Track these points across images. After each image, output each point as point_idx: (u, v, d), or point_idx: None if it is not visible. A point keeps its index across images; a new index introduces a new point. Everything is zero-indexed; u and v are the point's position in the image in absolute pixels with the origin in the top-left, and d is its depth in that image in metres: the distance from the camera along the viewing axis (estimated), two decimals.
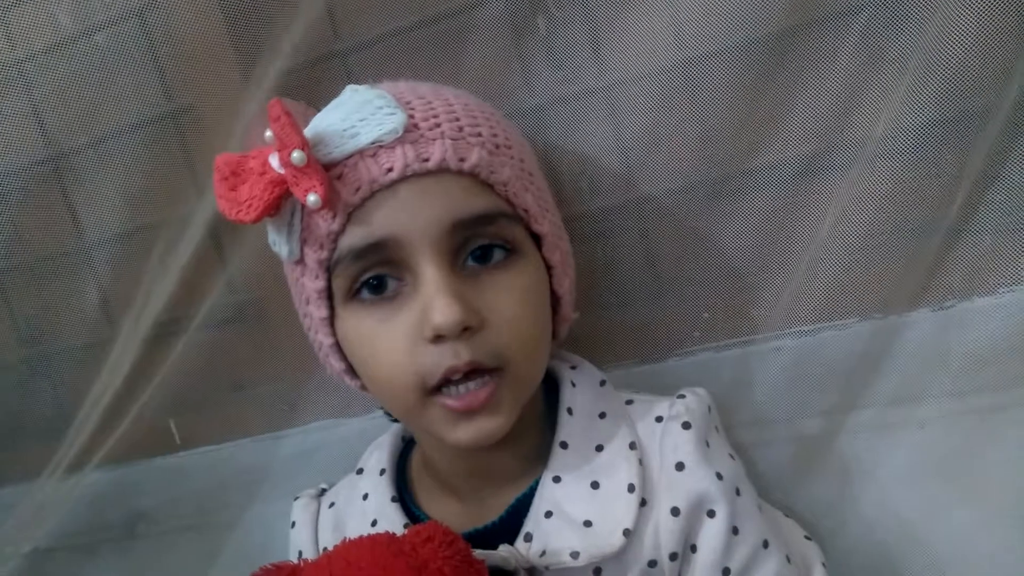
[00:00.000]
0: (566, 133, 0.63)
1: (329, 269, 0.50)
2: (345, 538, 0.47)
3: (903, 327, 0.59)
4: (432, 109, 0.49)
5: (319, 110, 0.50)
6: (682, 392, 0.56)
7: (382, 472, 0.60)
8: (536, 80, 0.63)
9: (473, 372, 0.47)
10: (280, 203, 0.48)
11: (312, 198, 0.45)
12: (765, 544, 0.51)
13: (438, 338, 0.47)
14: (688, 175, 0.62)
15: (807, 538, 0.58)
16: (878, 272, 0.59)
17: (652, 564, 0.51)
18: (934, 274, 0.58)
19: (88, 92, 0.69)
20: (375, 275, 0.49)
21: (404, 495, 0.59)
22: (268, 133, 0.47)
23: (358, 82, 0.52)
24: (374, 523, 0.57)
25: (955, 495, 0.59)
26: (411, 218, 0.47)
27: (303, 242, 0.50)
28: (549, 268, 0.53)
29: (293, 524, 0.64)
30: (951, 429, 0.59)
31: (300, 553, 0.62)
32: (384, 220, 0.47)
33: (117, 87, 0.69)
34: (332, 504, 0.63)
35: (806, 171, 0.59)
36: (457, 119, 0.49)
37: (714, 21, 0.58)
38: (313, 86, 0.65)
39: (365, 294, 0.49)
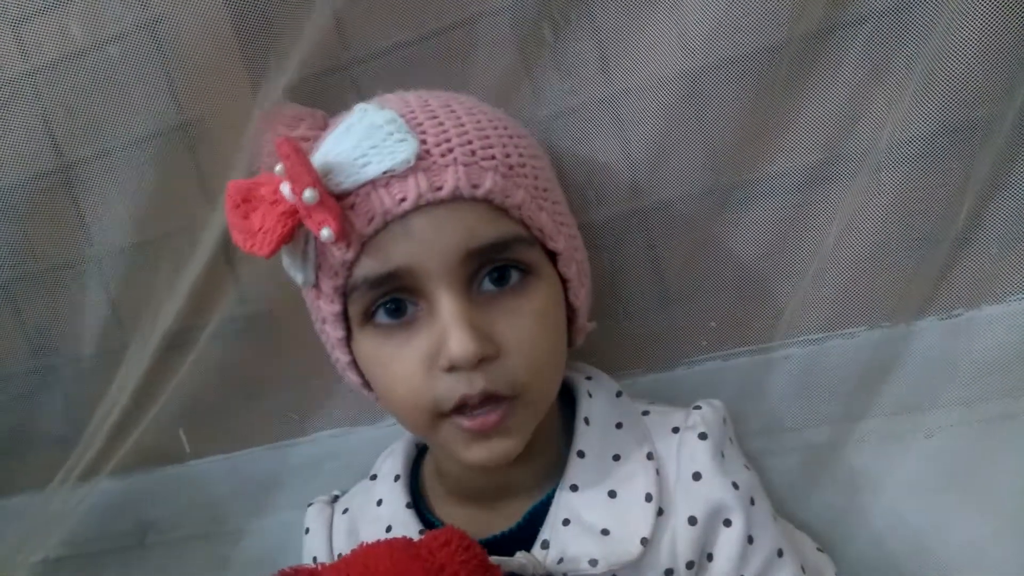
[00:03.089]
0: (573, 143, 0.63)
1: (345, 294, 0.50)
2: (362, 542, 0.47)
3: (910, 336, 0.59)
4: (444, 132, 0.48)
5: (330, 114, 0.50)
6: (698, 403, 0.56)
7: (396, 478, 0.60)
8: (543, 91, 0.63)
9: (487, 399, 0.48)
10: (294, 233, 0.47)
11: (325, 232, 0.45)
12: (780, 553, 0.52)
13: (453, 368, 0.47)
14: (694, 184, 0.62)
15: (819, 550, 0.59)
16: (885, 281, 0.59)
17: (669, 572, 0.51)
18: (941, 283, 0.58)
19: (99, 103, 0.70)
20: (393, 299, 0.49)
21: (418, 501, 0.59)
22: (278, 167, 0.47)
23: (366, 95, 0.52)
24: (388, 529, 0.57)
25: (964, 504, 0.59)
26: (425, 248, 0.47)
27: (318, 269, 0.50)
28: (565, 281, 0.53)
29: (307, 530, 0.64)
30: (959, 438, 0.59)
31: (315, 559, 0.62)
32: (398, 251, 0.47)
33: (128, 99, 0.69)
34: (346, 510, 0.63)
35: (812, 181, 0.60)
36: (470, 141, 0.48)
37: (720, 32, 0.58)
38: (321, 97, 0.65)
39: (381, 317, 0.49)
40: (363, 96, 0.53)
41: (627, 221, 0.64)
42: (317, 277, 0.50)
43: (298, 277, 0.51)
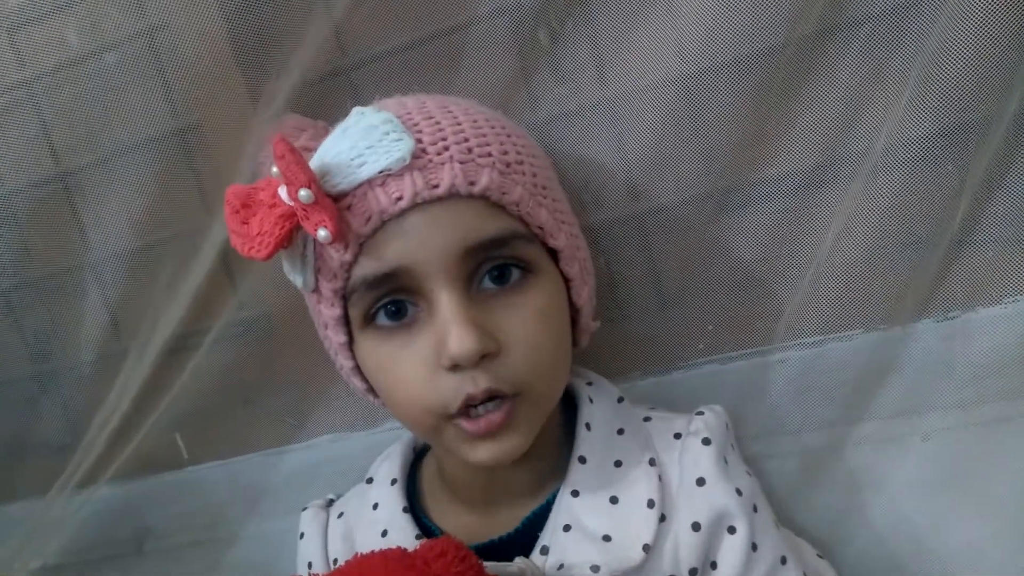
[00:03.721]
0: (569, 147, 0.63)
1: (345, 297, 0.50)
2: (357, 553, 0.47)
3: (907, 338, 0.59)
4: (440, 131, 0.48)
5: (331, 124, 0.50)
6: (700, 409, 0.56)
7: (393, 482, 0.60)
8: (539, 94, 0.63)
9: (490, 398, 0.47)
10: (292, 236, 0.47)
11: (322, 233, 0.45)
12: (783, 560, 0.52)
13: (455, 367, 0.47)
14: (691, 188, 0.62)
15: (819, 556, 0.59)
16: (882, 284, 0.59)
17: None
18: (938, 285, 0.58)
19: (96, 110, 0.70)
20: (392, 301, 0.49)
21: (415, 506, 0.59)
22: (274, 169, 0.46)
23: (364, 99, 0.52)
24: (384, 533, 0.57)
25: (963, 505, 0.59)
26: (422, 247, 0.47)
27: (317, 272, 0.50)
28: (567, 280, 0.53)
29: (302, 535, 0.64)
30: (956, 441, 0.59)
31: (310, 565, 0.62)
32: (395, 250, 0.47)
33: (125, 106, 0.69)
34: (341, 514, 0.63)
35: (809, 184, 0.60)
36: (466, 139, 0.48)
37: (717, 35, 0.58)
38: (319, 102, 0.65)
39: (382, 319, 0.49)
40: (361, 101, 0.53)
41: (624, 225, 0.64)
42: (317, 281, 0.50)
43: (298, 281, 0.51)
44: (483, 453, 0.49)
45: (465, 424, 0.48)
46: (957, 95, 0.54)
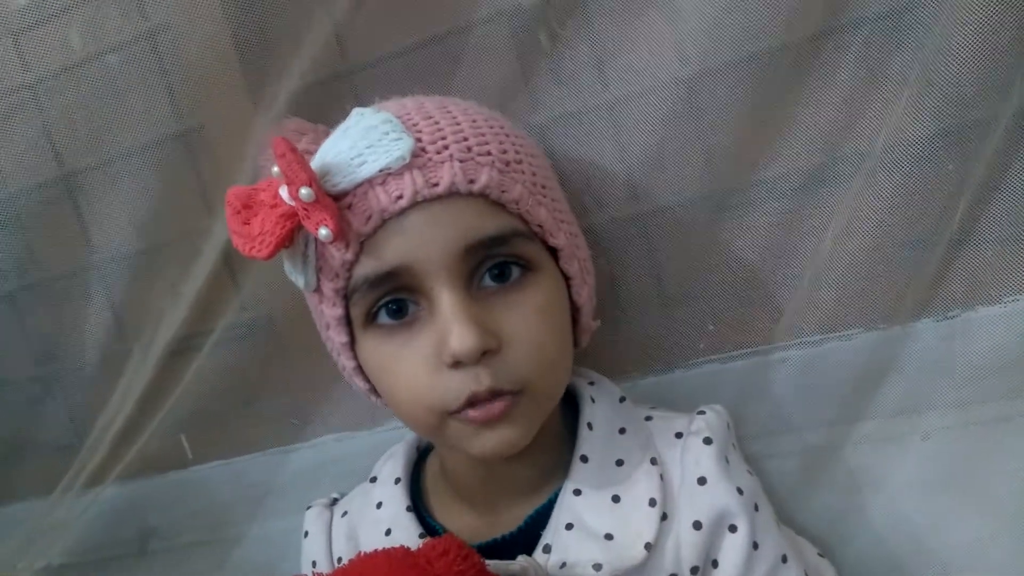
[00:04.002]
0: (570, 149, 0.64)
1: (346, 297, 0.50)
2: (360, 552, 0.47)
3: (907, 338, 0.59)
4: (440, 130, 0.49)
5: (332, 127, 0.51)
6: (701, 408, 0.56)
7: (397, 481, 0.60)
8: (540, 97, 0.63)
9: (493, 395, 0.48)
10: (293, 236, 0.48)
11: (323, 232, 0.45)
12: (784, 559, 0.52)
13: (457, 363, 0.47)
14: (692, 189, 0.62)
15: (820, 555, 0.59)
16: (882, 283, 0.59)
17: None
18: (937, 284, 0.58)
19: (99, 113, 0.70)
20: (394, 299, 0.49)
21: (418, 505, 0.59)
22: (275, 168, 0.47)
23: (365, 102, 0.52)
24: (388, 532, 0.57)
25: (963, 505, 0.59)
26: (423, 245, 0.47)
27: (319, 271, 0.50)
28: (567, 279, 0.53)
29: (306, 534, 0.64)
30: (956, 440, 0.59)
31: (314, 563, 0.62)
32: (396, 249, 0.47)
33: (128, 108, 0.70)
34: (345, 513, 0.63)
35: (809, 184, 0.60)
36: (465, 139, 0.49)
37: (716, 36, 0.58)
38: (321, 106, 0.65)
39: (383, 318, 0.50)
40: (362, 104, 0.53)
41: (625, 226, 0.64)
42: (318, 280, 0.50)
43: (299, 281, 0.52)
44: (485, 443, 0.49)
45: (469, 412, 0.48)
46: (957, 95, 0.54)
